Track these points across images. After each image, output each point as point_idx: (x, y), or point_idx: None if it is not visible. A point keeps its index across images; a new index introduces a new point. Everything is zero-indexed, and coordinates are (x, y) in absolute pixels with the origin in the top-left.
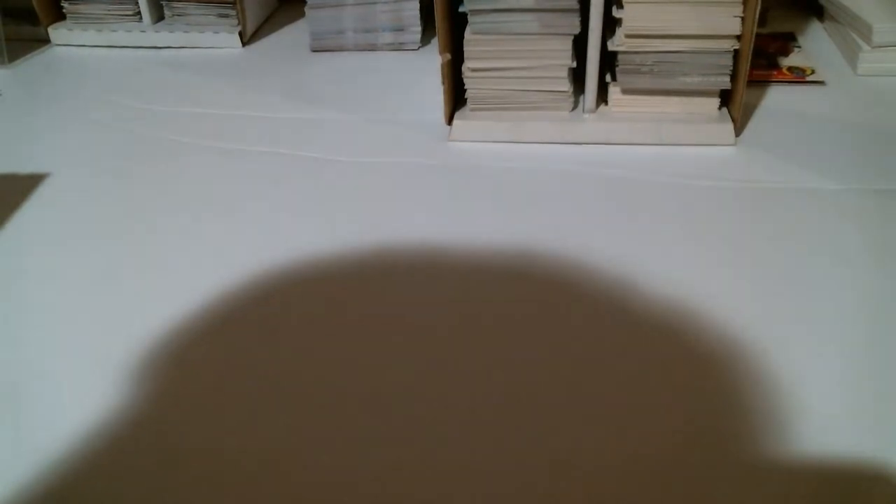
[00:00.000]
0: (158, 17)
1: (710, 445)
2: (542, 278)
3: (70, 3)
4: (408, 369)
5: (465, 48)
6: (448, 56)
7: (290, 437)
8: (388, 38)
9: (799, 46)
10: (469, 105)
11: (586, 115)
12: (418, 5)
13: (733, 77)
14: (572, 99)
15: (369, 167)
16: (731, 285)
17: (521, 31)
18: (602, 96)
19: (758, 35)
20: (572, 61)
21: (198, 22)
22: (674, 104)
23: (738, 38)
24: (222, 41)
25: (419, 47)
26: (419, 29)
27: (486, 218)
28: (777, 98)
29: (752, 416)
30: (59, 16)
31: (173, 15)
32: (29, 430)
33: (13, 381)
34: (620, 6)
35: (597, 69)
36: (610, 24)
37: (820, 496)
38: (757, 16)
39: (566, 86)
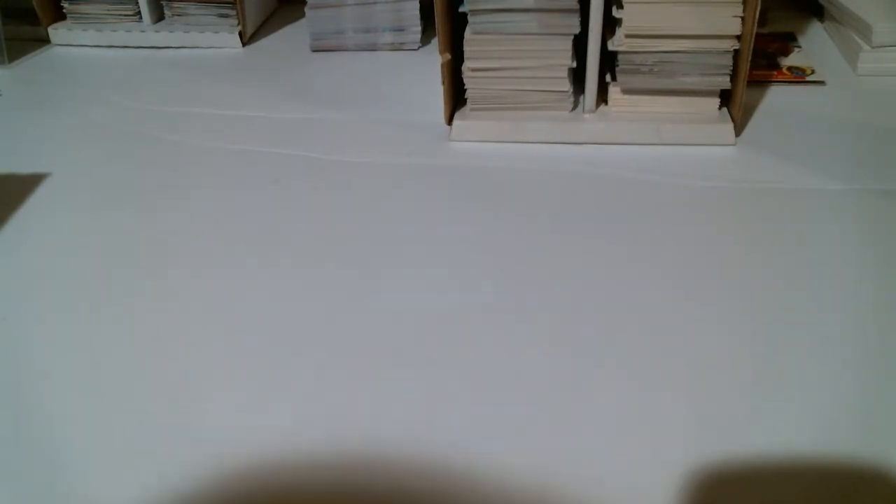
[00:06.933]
0: (158, 17)
1: (708, 442)
2: (542, 278)
3: (70, 3)
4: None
5: (465, 48)
6: (448, 56)
7: None
8: (388, 38)
9: (799, 46)
10: (469, 105)
11: (586, 115)
12: (418, 5)
13: (733, 77)
14: (572, 99)
15: (369, 167)
16: (731, 285)
17: (521, 31)
18: (602, 96)
19: (758, 35)
20: (572, 61)
21: (198, 22)
22: (674, 104)
23: (738, 38)
24: (222, 41)
25: (419, 47)
26: (419, 29)
27: (485, 218)
28: (777, 98)
29: (749, 414)
30: (59, 16)
31: (173, 15)
32: (26, 428)
33: (12, 381)
34: (620, 6)
35: (597, 69)
36: (610, 24)
37: (819, 497)
38: (757, 16)
39: (566, 86)
